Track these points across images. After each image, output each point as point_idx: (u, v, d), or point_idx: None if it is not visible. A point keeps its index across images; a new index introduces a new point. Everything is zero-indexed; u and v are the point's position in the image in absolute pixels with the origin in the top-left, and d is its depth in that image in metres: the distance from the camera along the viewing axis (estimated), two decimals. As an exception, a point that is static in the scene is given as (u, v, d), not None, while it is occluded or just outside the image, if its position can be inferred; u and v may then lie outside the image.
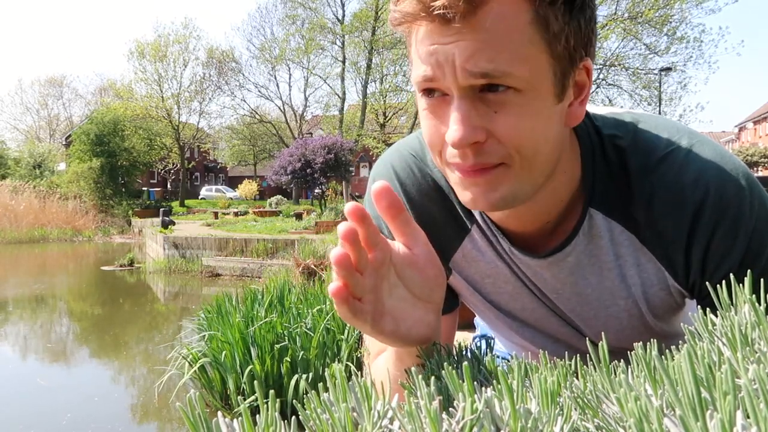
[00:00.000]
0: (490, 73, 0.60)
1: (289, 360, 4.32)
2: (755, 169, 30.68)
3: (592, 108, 0.82)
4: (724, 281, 0.50)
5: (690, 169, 0.71)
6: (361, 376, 0.44)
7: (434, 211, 0.85)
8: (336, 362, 4.34)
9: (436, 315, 0.65)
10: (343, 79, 29.52)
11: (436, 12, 0.59)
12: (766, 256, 0.71)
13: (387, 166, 0.88)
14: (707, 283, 0.71)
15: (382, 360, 0.82)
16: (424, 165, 0.85)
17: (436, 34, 0.61)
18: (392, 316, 0.61)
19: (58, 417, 4.82)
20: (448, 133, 0.63)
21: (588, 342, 0.52)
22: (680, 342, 0.48)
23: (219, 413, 0.38)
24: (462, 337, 0.85)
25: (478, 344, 0.67)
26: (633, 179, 0.74)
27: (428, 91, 0.65)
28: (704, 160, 0.71)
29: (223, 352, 4.43)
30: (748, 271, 0.50)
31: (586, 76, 0.68)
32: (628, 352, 0.47)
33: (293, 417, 0.40)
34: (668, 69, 19.35)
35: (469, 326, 1.40)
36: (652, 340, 0.47)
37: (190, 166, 38.46)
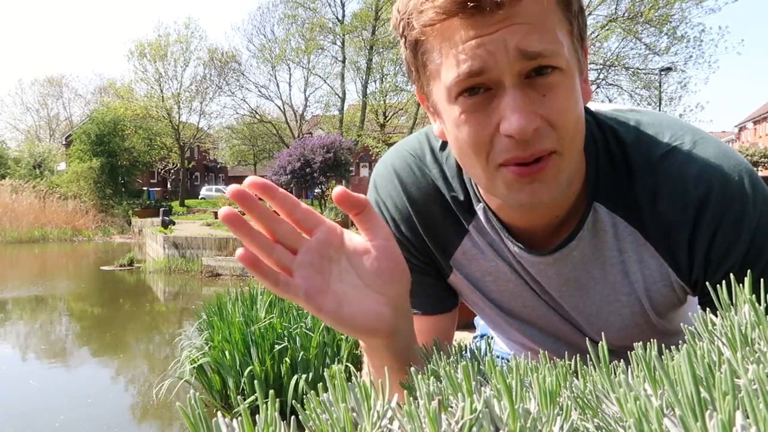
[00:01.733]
0: (543, 53, 0.61)
1: (288, 360, 4.31)
2: (755, 169, 30.69)
3: (595, 105, 0.82)
4: (724, 281, 0.50)
5: (693, 165, 0.71)
6: (361, 376, 0.44)
7: (434, 210, 0.86)
8: (336, 362, 4.34)
9: (391, 309, 0.65)
10: (343, 79, 29.52)
11: None
12: None
13: (387, 167, 0.89)
14: (709, 281, 0.71)
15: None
16: (423, 165, 0.86)
17: (476, 26, 0.60)
18: (336, 298, 0.62)
19: (51, 419, 4.75)
20: (507, 123, 0.62)
21: (588, 342, 0.52)
22: (681, 340, 0.48)
23: (219, 413, 0.38)
24: (462, 337, 0.85)
25: (478, 344, 0.67)
26: (636, 174, 0.74)
27: (469, 90, 0.64)
28: (708, 156, 0.72)
29: (223, 353, 4.43)
30: (751, 267, 0.50)
31: (584, 57, 0.70)
32: (629, 351, 0.47)
33: (293, 417, 0.40)
34: (668, 69, 19.34)
35: (469, 326, 1.41)
36: (652, 339, 0.47)
37: (190, 166, 38.45)
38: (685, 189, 0.71)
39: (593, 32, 18.92)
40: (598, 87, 20.96)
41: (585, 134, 0.76)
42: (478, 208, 0.83)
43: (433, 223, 0.86)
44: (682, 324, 0.52)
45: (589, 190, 0.77)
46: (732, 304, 0.47)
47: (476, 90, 0.64)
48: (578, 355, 0.54)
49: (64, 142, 40.89)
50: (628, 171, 0.75)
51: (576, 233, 0.78)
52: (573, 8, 0.64)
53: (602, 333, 0.55)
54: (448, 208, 0.85)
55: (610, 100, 20.85)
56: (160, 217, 16.66)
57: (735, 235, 0.70)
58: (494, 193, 0.74)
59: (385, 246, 0.64)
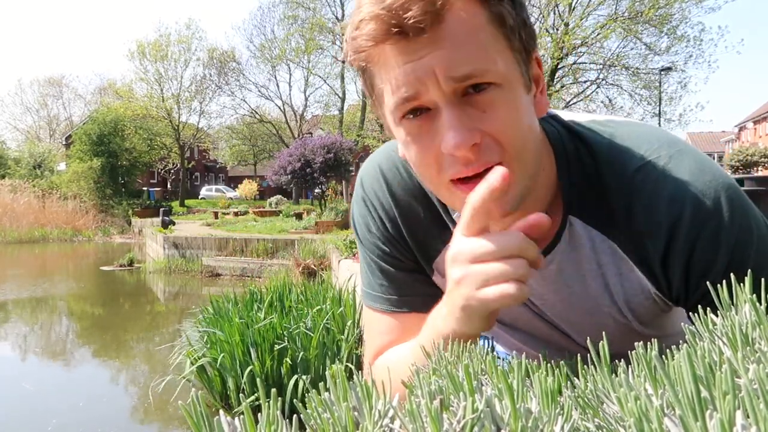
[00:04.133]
0: (472, 74, 0.61)
1: (288, 360, 4.31)
2: (755, 169, 30.64)
3: (570, 114, 0.82)
4: (725, 281, 0.50)
5: (667, 183, 0.70)
6: (361, 375, 0.44)
7: (419, 212, 0.86)
8: (336, 362, 4.34)
9: None
10: (343, 79, 29.54)
11: (410, 23, 0.59)
12: (750, 267, 0.70)
13: (374, 166, 0.89)
14: (691, 297, 0.71)
15: (406, 353, 0.80)
16: (409, 166, 0.85)
17: (405, 52, 0.62)
18: None
19: (44, 422, 4.67)
20: (445, 141, 0.63)
21: (589, 343, 0.52)
22: (673, 343, 0.48)
23: (221, 412, 0.38)
24: (462, 337, 0.85)
25: (479, 344, 0.67)
26: (610, 189, 0.73)
27: (410, 113, 0.65)
28: (682, 173, 0.70)
29: (223, 353, 4.43)
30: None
31: (538, 68, 0.71)
32: (622, 356, 0.47)
33: (294, 416, 0.40)
34: (668, 68, 19.34)
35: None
36: (652, 340, 0.47)
37: (190, 166, 38.49)
38: (658, 209, 0.70)
39: (593, 32, 18.91)
40: (599, 87, 20.92)
41: (556, 146, 0.76)
42: (456, 217, 0.83)
43: (418, 225, 0.86)
44: (682, 324, 0.52)
45: (564, 203, 0.76)
46: (732, 303, 0.47)
47: (417, 111, 0.65)
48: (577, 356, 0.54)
49: (64, 143, 40.95)
50: (602, 185, 0.74)
51: (553, 246, 0.78)
52: (508, 23, 0.64)
53: (597, 337, 0.55)
54: (433, 211, 0.85)
55: (610, 100, 20.82)
56: (160, 217, 16.66)
57: (712, 253, 0.69)
58: (452, 207, 0.76)
59: None
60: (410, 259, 0.89)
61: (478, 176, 0.65)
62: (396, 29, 0.60)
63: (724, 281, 0.68)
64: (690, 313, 0.76)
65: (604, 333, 0.82)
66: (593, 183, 0.75)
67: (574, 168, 0.75)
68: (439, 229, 0.85)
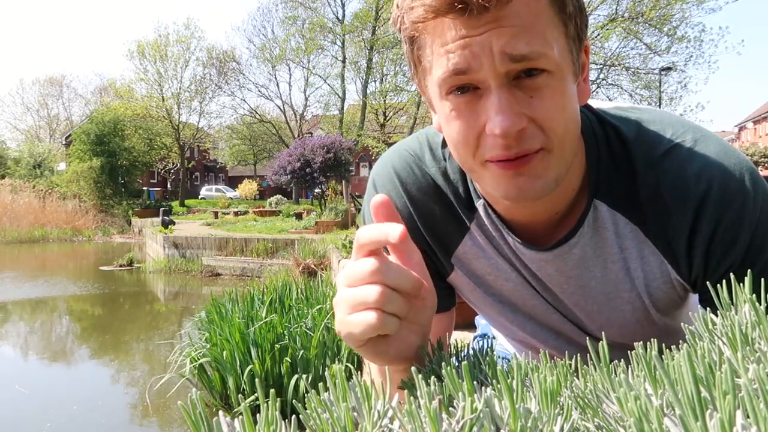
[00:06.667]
0: (528, 56, 0.61)
1: (289, 360, 4.31)
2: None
3: (597, 103, 0.83)
4: (724, 280, 0.50)
5: (694, 163, 0.72)
6: (361, 375, 0.44)
7: (435, 210, 0.86)
8: (336, 362, 4.34)
9: (420, 337, 0.63)
10: (343, 79, 29.52)
11: (476, 0, 0.59)
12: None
13: (387, 167, 0.89)
14: (708, 279, 0.71)
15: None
16: (422, 164, 0.86)
17: (464, 27, 0.61)
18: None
19: (38, 426, 4.60)
20: (492, 123, 0.63)
21: (588, 339, 0.52)
22: (684, 338, 0.48)
23: (220, 412, 0.38)
24: (462, 337, 0.85)
25: (479, 344, 0.67)
26: (637, 172, 0.75)
27: (457, 89, 0.65)
28: (708, 155, 0.72)
29: (224, 352, 4.43)
30: (751, 265, 0.50)
31: (585, 56, 0.71)
32: (632, 347, 0.46)
33: (293, 416, 0.40)
34: (668, 69, 19.36)
35: (469, 326, 1.41)
36: (654, 336, 0.47)
37: (190, 165, 38.49)
38: (686, 187, 0.72)
39: (593, 32, 18.91)
40: (599, 87, 20.96)
41: (586, 132, 0.77)
42: (479, 204, 0.83)
43: (434, 223, 0.87)
44: (682, 324, 0.52)
45: (590, 187, 0.77)
46: (732, 303, 0.47)
47: (465, 89, 0.65)
48: (579, 353, 0.54)
49: (64, 142, 40.92)
50: (630, 168, 0.75)
51: (576, 230, 0.78)
52: (568, 9, 0.64)
53: (604, 330, 0.55)
54: (449, 207, 0.86)
55: (610, 100, 20.84)
56: (160, 217, 16.66)
57: (734, 233, 0.70)
58: (482, 186, 0.76)
59: (420, 272, 0.62)
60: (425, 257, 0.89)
61: (518, 158, 0.65)
62: (460, 5, 0.60)
63: (740, 264, 0.69)
64: (701, 299, 0.77)
65: (618, 321, 0.83)
66: (621, 167, 0.76)
67: (604, 153, 0.77)
68: (457, 224, 0.86)
